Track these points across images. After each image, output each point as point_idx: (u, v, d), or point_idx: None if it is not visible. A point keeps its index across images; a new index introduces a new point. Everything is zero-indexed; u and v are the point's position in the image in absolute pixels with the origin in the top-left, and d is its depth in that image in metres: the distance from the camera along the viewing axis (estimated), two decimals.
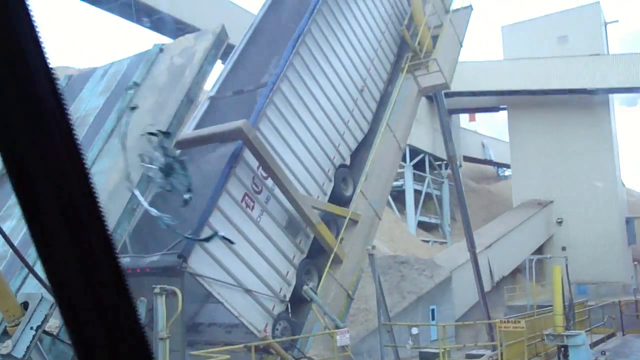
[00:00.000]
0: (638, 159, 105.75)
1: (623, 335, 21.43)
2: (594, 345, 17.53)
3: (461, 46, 14.65)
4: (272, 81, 9.55)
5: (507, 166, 52.19)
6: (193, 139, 9.15)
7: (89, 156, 7.34)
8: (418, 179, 38.86)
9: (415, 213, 37.12)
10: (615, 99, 43.44)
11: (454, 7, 15.12)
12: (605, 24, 42.43)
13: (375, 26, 12.68)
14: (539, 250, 34.48)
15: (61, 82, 8.37)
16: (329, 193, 10.62)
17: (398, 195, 37.93)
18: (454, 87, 38.56)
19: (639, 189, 66.34)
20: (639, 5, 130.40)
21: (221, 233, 8.01)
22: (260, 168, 8.90)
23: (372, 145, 11.60)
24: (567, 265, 16.11)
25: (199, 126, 10.11)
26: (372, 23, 12.53)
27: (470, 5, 15.42)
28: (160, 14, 26.66)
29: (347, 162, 11.24)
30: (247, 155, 8.70)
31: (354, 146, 11.48)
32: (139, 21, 26.91)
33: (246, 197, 8.75)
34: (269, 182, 9.06)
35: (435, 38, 13.65)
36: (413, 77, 12.92)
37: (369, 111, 12.09)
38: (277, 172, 8.81)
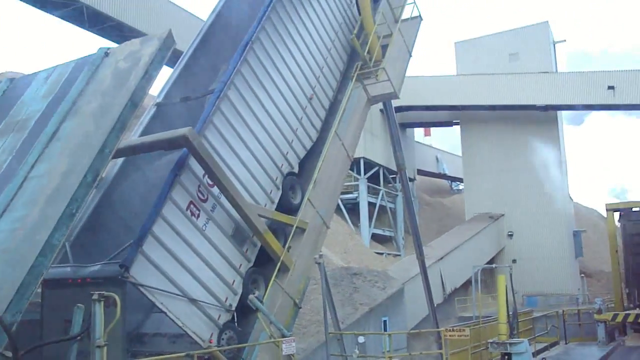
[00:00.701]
0: (585, 175, 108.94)
1: (566, 343, 22.04)
2: (537, 353, 17.93)
3: (410, 56, 14.73)
4: (219, 89, 9.40)
5: (461, 180, 53.11)
6: (137, 146, 8.93)
7: (28, 160, 7.18)
8: (372, 191, 39.15)
9: (369, 225, 37.33)
10: (564, 118, 44.81)
11: (403, 17, 15.17)
12: (554, 43, 43.81)
13: (325, 34, 12.66)
14: (491, 263, 35.09)
15: (3, 85, 8.18)
16: (276, 201, 10.54)
17: (352, 208, 38.13)
18: (409, 101, 39.68)
19: (586, 203, 68.36)
20: (583, 26, 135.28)
21: None
22: (206, 176, 8.77)
23: (320, 154, 11.55)
24: (511, 275, 16.43)
25: (144, 133, 9.93)
26: (321, 31, 12.51)
27: (420, 16, 15.50)
28: (108, 20, 26.40)
29: (296, 170, 11.16)
30: (193, 163, 8.53)
31: (302, 154, 11.41)
32: (87, 26, 26.54)
33: (191, 206, 8.58)
34: (215, 190, 8.89)
35: (385, 47, 13.68)
36: (362, 85, 12.96)
37: (318, 119, 12.04)
38: (223, 181, 8.68)
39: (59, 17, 25.98)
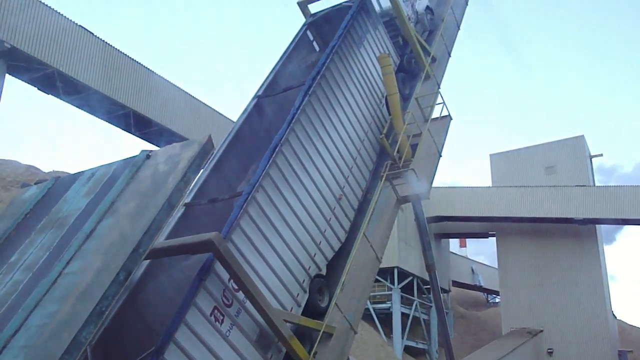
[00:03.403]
0: (628, 292, 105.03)
1: None
2: None
3: (440, 156, 14.60)
4: (247, 191, 9.41)
5: (497, 293, 51.72)
6: (163, 250, 8.75)
7: (64, 256, 7.31)
8: (406, 302, 38.32)
9: (402, 337, 36.23)
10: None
11: (433, 116, 15.17)
12: (591, 156, 43.78)
13: (355, 135, 12.68)
14: None
15: (48, 183, 8.51)
16: (303, 304, 10.26)
17: (385, 318, 37.24)
18: (444, 211, 39.57)
19: (630, 321, 65.28)
20: (615, 142, 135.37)
21: None
22: (232, 280, 8.60)
23: (348, 254, 11.29)
24: None
25: (172, 234, 9.86)
26: (351, 132, 12.54)
27: (449, 115, 15.49)
28: (154, 125, 27.61)
29: (323, 271, 10.97)
30: (219, 267, 8.39)
31: (330, 255, 11.20)
32: (132, 130, 27.74)
33: (215, 311, 8.38)
34: (240, 294, 8.70)
35: (414, 146, 13.67)
36: (391, 185, 12.83)
37: (347, 220, 11.90)
38: (248, 286, 8.49)
39: (107, 121, 27.27)
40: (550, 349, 38.69)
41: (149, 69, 27.53)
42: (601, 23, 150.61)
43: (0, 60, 21.86)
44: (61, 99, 24.89)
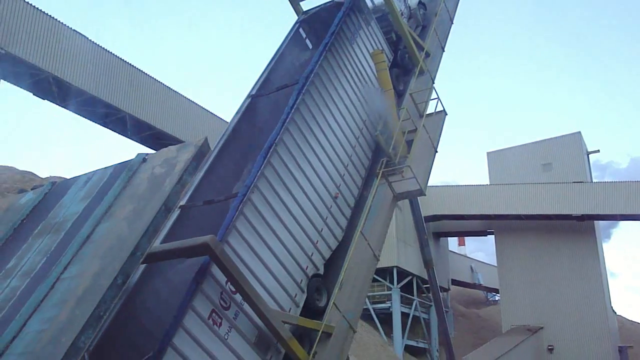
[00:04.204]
0: (627, 287, 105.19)
1: None
2: None
3: (436, 151, 14.46)
4: (243, 192, 9.32)
5: (496, 291, 51.80)
6: (159, 254, 8.60)
7: (61, 261, 7.29)
8: (405, 301, 38.31)
9: (403, 337, 36.22)
10: None
11: (428, 111, 15.01)
12: (587, 152, 43.87)
13: (350, 132, 12.59)
14: None
15: (45, 188, 8.48)
16: (301, 305, 10.17)
17: (385, 318, 37.23)
18: (443, 210, 39.59)
19: (631, 317, 65.45)
20: (612, 138, 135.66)
21: None
22: (229, 283, 8.51)
23: (346, 253, 11.18)
24: None
25: (168, 237, 9.70)
26: (346, 129, 12.45)
27: (444, 110, 15.36)
28: (150, 128, 27.58)
29: (321, 271, 10.83)
30: (215, 270, 8.29)
31: (328, 255, 11.10)
32: (129, 134, 27.71)
33: (213, 314, 8.28)
34: (238, 296, 8.60)
35: (410, 142, 13.53)
36: (387, 182, 12.71)
37: (343, 218, 11.80)
38: (246, 288, 8.41)
39: (103, 125, 27.23)
40: (550, 345, 38.77)
41: (143, 71, 27.49)
42: (596, 19, 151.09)
43: None
44: (57, 104, 24.84)
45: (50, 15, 23.32)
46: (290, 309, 9.98)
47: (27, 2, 22.41)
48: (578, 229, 39.56)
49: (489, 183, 44.06)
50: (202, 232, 8.37)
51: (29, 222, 8.90)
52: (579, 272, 38.88)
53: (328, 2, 14.67)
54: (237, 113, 12.39)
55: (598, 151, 46.21)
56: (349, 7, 13.49)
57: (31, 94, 24.14)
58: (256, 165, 9.83)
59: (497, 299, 56.75)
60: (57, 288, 6.94)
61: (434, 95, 15.47)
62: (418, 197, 16.24)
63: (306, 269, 10.47)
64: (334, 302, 10.58)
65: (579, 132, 43.32)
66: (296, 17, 15.09)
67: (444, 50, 17.57)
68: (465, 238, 58.94)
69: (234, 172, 11.38)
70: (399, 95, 14.98)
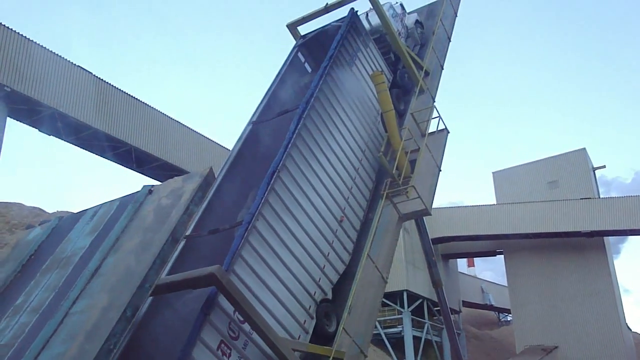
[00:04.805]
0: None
1: None
2: None
3: (440, 170, 14.48)
4: (247, 220, 9.26)
5: (508, 311, 51.26)
6: (165, 286, 8.54)
7: (70, 296, 7.28)
8: (417, 325, 37.93)
9: None
10: None
11: (430, 130, 15.11)
12: (594, 169, 43.72)
13: (352, 154, 12.57)
14: None
15: (52, 223, 8.51)
16: (311, 331, 10.07)
17: (397, 343, 36.83)
18: (451, 231, 39.29)
19: None
20: (618, 153, 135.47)
21: None
22: (237, 312, 8.42)
23: (354, 276, 11.12)
24: None
25: (173, 268, 9.67)
26: (348, 152, 12.44)
27: (446, 128, 15.34)
28: (155, 160, 27.68)
29: (329, 296, 10.75)
30: (222, 299, 8.25)
31: (335, 279, 11.04)
32: (134, 167, 27.82)
33: (222, 345, 8.21)
34: (246, 326, 8.54)
35: (413, 162, 13.54)
36: (392, 203, 12.67)
37: (350, 241, 11.75)
38: (254, 317, 8.34)
39: (108, 159, 27.36)
40: None
41: (146, 103, 27.67)
42: (597, 36, 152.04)
43: (1, 104, 22.00)
44: (62, 140, 25.01)
45: (55, 53, 23.60)
46: (300, 335, 9.87)
47: (32, 40, 22.70)
48: (588, 246, 39.26)
49: (495, 203, 43.89)
50: (208, 262, 8.34)
51: (37, 258, 8.92)
52: (591, 289, 38.49)
53: (326, 26, 14.78)
54: (238, 140, 12.42)
55: (604, 167, 46.05)
56: (347, 29, 13.58)
57: (37, 130, 24.32)
58: (260, 192, 9.79)
59: (509, 319, 56.19)
60: (66, 323, 6.91)
61: (435, 114, 15.52)
62: (424, 217, 16.11)
63: (314, 294, 10.39)
64: (343, 327, 10.48)
65: (584, 149, 43.21)
66: (294, 42, 15.21)
67: (443, 68, 17.66)
68: (474, 258, 58.48)
69: (238, 199, 11.35)
70: (400, 115, 15.01)
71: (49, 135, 24.67)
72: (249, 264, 9.12)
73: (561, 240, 39.70)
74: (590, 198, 40.27)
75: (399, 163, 13.34)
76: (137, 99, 27.23)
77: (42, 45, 23.04)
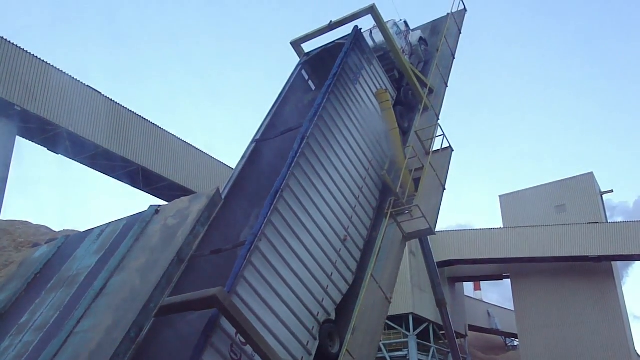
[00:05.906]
0: None
1: None
2: None
3: (444, 189, 14.26)
4: (250, 241, 9.17)
5: (515, 336, 50.71)
6: (166, 307, 8.28)
7: (74, 315, 7.28)
8: (422, 349, 37.56)
9: None
10: None
11: (434, 148, 14.97)
12: (601, 193, 43.54)
13: (356, 173, 12.48)
14: None
15: (58, 242, 8.54)
16: (314, 352, 9.93)
17: None
18: (457, 255, 39.04)
19: None
20: (626, 178, 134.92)
21: None
22: (239, 334, 8.29)
23: (357, 296, 11.00)
24: None
25: (176, 289, 9.37)
26: (352, 171, 12.35)
27: (450, 147, 15.19)
28: (162, 179, 27.77)
29: (333, 316, 10.62)
30: (224, 321, 8.12)
31: (339, 299, 10.92)
32: (141, 186, 27.91)
33: None
34: (249, 348, 8.40)
35: (417, 180, 13.42)
36: (396, 223, 12.51)
37: (353, 261, 11.64)
38: (256, 339, 8.21)
39: (116, 178, 27.48)
40: None
41: (154, 124, 27.87)
42: (601, 58, 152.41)
43: (11, 123, 22.19)
44: (70, 159, 25.14)
45: (64, 72, 23.84)
46: (303, 357, 9.75)
47: (41, 59, 22.96)
48: (596, 271, 38.93)
49: (502, 226, 43.69)
50: (210, 283, 8.24)
51: (42, 276, 8.96)
52: (600, 314, 38.07)
53: (329, 44, 14.80)
54: (242, 159, 12.32)
55: (612, 191, 45.81)
56: (351, 47, 13.59)
57: (46, 149, 24.48)
58: (263, 212, 9.69)
59: (516, 344, 55.57)
60: (70, 342, 6.92)
61: (439, 132, 15.38)
62: (430, 239, 15.93)
63: (317, 315, 10.27)
64: (347, 349, 10.34)
65: (592, 173, 43.05)
66: (298, 59, 15.25)
67: (447, 86, 17.59)
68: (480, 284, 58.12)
69: (241, 218, 11.27)
70: (404, 132, 14.92)
71: (57, 154, 24.81)
72: (252, 285, 9.02)
73: (569, 265, 39.40)
74: (597, 222, 40.05)
75: (403, 181, 13.23)
76: (145, 119, 27.46)
77: (50, 63, 23.29)
